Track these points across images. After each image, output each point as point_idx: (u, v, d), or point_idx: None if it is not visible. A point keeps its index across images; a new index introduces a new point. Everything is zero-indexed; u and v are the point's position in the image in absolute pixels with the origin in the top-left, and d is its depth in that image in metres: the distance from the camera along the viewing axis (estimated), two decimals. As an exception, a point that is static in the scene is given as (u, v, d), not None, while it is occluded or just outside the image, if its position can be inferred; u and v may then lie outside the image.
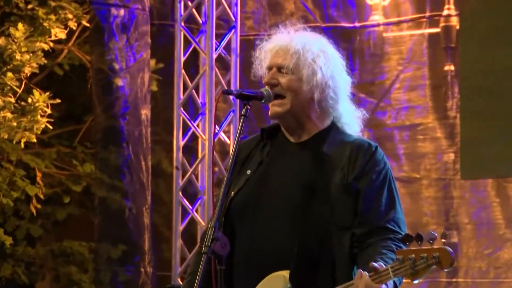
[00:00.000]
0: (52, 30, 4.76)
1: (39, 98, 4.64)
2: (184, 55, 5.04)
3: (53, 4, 4.79)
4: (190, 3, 5.03)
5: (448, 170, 4.87)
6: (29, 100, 4.66)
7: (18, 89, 4.71)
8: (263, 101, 2.54)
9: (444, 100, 4.93)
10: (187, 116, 5.03)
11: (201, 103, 5.07)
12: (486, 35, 4.64)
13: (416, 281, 2.24)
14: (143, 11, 4.96)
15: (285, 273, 2.44)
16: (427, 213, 4.88)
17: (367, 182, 2.48)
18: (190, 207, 4.99)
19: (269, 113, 2.55)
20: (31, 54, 4.65)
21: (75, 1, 4.96)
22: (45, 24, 4.74)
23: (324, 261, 2.46)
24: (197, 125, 5.04)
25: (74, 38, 5.35)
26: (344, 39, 5.05)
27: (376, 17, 5.11)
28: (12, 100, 4.64)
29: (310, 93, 2.52)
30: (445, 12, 4.97)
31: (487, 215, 4.79)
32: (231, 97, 4.72)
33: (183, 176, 5.00)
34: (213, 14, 5.01)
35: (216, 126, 5.02)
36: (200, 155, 5.04)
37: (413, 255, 2.21)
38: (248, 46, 5.04)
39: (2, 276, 5.49)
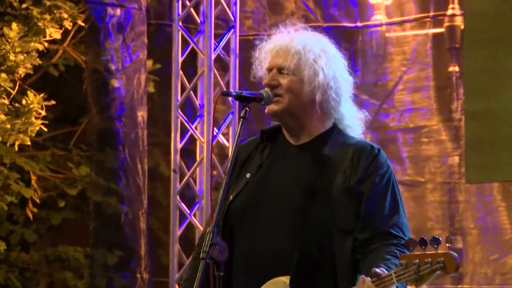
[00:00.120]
0: (47, 30, 4.76)
1: (34, 100, 4.64)
2: (182, 55, 5.04)
3: (48, 3, 4.80)
4: (188, 3, 5.03)
5: (453, 173, 4.87)
6: (23, 101, 4.66)
7: (12, 91, 4.72)
8: (262, 102, 2.54)
9: (448, 102, 4.93)
10: (185, 118, 5.03)
11: (199, 104, 5.06)
12: (492, 35, 4.64)
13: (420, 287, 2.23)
14: (140, 10, 4.96)
15: (285, 279, 2.43)
16: (432, 218, 4.88)
17: (369, 185, 2.48)
18: (188, 211, 4.99)
19: (266, 111, 2.54)
20: (25, 55, 4.65)
21: (70, 0, 4.97)
22: (40, 23, 4.74)
23: (325, 266, 2.45)
24: (195, 127, 5.03)
25: (69, 38, 5.35)
26: (345, 39, 5.05)
27: (379, 17, 5.11)
28: (6, 101, 4.64)
29: (311, 95, 2.52)
30: (449, 12, 4.97)
31: (493, 220, 4.79)
32: (230, 98, 4.72)
33: (180, 180, 5.00)
34: (212, 14, 5.01)
35: (215, 128, 5.01)
36: (198, 158, 5.04)
37: (417, 260, 2.21)
38: (248, 47, 5.04)
39: (-4, 282, 5.49)
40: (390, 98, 5.06)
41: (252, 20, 5.27)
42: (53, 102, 4.74)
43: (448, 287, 4.82)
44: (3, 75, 4.61)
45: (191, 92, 5.04)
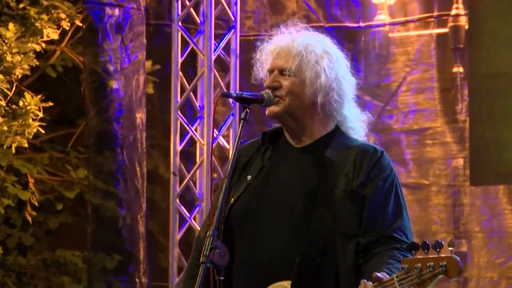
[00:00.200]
0: (44, 30, 4.77)
1: (31, 101, 4.65)
2: (181, 56, 5.04)
3: (45, 3, 4.81)
4: (187, 2, 5.04)
5: (458, 176, 4.87)
6: (20, 103, 4.67)
7: (8, 92, 4.73)
8: (263, 104, 2.54)
9: (453, 103, 4.93)
10: (185, 119, 5.03)
11: (199, 106, 5.07)
12: (496, 35, 4.64)
13: (422, 292, 2.24)
14: (139, 10, 4.96)
15: (287, 284, 2.44)
16: (437, 221, 4.88)
17: (372, 189, 2.48)
18: (188, 214, 4.99)
19: (266, 112, 2.54)
20: (22, 55, 4.66)
21: (68, 0, 4.98)
22: (37, 24, 4.75)
23: (327, 271, 2.45)
24: (195, 129, 5.04)
25: (67, 38, 5.36)
26: (348, 40, 5.05)
27: (382, 17, 5.11)
28: (3, 103, 4.65)
29: (313, 96, 2.52)
30: (453, 12, 4.97)
31: (499, 223, 4.79)
32: (230, 100, 4.72)
33: (180, 182, 5.00)
34: (212, 14, 5.02)
35: (215, 130, 5.02)
36: (198, 161, 5.05)
37: (419, 264, 2.21)
38: (248, 47, 5.05)
39: (-8, 286, 5.50)
40: (393, 99, 5.06)
41: (252, 20, 5.28)
42: (50, 103, 4.75)
43: (453, 291, 4.82)
44: (0, 76, 4.62)
45: (191, 93, 5.05)
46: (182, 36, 5.02)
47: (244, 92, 2.53)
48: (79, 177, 5.50)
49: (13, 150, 4.76)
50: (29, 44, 4.70)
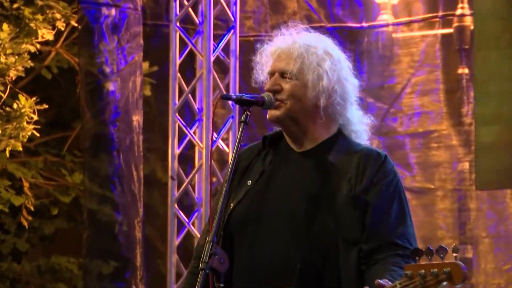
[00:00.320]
0: (39, 31, 4.78)
1: (25, 104, 4.66)
2: (179, 57, 5.05)
3: (40, 3, 4.82)
4: (186, 2, 5.05)
5: (464, 180, 4.88)
6: (15, 105, 4.68)
7: (2, 94, 4.74)
8: (264, 106, 2.54)
9: (459, 105, 4.94)
10: (183, 122, 5.04)
11: (198, 108, 5.08)
12: (502, 36, 4.65)
13: (426, 299, 2.24)
14: (135, 10, 4.97)
15: (287, 291, 2.45)
16: (442, 226, 4.89)
17: (376, 194, 2.48)
18: (186, 220, 5.00)
19: (267, 116, 2.55)
20: (16, 57, 4.67)
21: (63, 0, 4.99)
22: (32, 24, 4.76)
23: (329, 278, 2.46)
24: (194, 132, 5.05)
25: (62, 39, 5.37)
26: (351, 40, 5.06)
27: (385, 17, 5.12)
28: (-4, 106, 4.66)
29: (315, 99, 2.52)
30: (458, 12, 4.98)
31: (506, 228, 4.80)
32: (230, 102, 4.73)
33: (178, 187, 5.01)
34: (211, 14, 5.03)
35: (214, 133, 5.03)
36: (197, 164, 5.06)
37: (423, 271, 2.21)
38: (248, 48, 5.06)
39: (-14, 293, 5.51)
40: (397, 101, 5.07)
41: (252, 20, 5.29)
42: (45, 106, 4.76)
43: (459, 298, 4.82)
44: (-6, 78, 4.64)
45: (190, 95, 5.06)
46: (180, 36, 5.03)
47: (244, 94, 2.53)
48: (74, 182, 5.51)
49: (7, 154, 4.76)
50: (24, 45, 4.72)
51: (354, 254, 2.45)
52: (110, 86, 4.90)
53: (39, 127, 4.75)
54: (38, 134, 4.80)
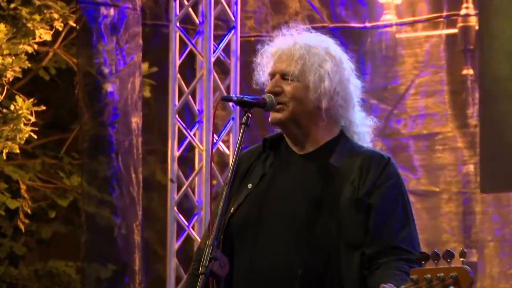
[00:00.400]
0: (37, 31, 4.78)
1: (23, 105, 4.66)
2: (179, 58, 5.05)
3: (37, 3, 4.82)
4: (186, 2, 5.05)
5: (469, 183, 4.88)
6: (12, 107, 4.68)
7: (-1, 95, 4.74)
8: (265, 108, 2.54)
9: (464, 107, 4.94)
10: (183, 124, 5.04)
11: (198, 110, 5.08)
12: (508, 36, 4.65)
13: (432, 304, 2.23)
14: (134, 10, 4.97)
15: (289, 296, 2.45)
16: (447, 230, 4.89)
17: (379, 197, 2.48)
18: (186, 223, 5.00)
19: (270, 119, 2.55)
20: (13, 57, 4.67)
21: (61, 0, 4.98)
22: (29, 24, 4.76)
23: (332, 283, 2.45)
24: (194, 134, 5.05)
25: (60, 39, 5.37)
26: (353, 41, 5.06)
27: (389, 17, 5.12)
28: (-7, 107, 4.66)
29: (317, 101, 2.52)
30: (463, 12, 4.98)
31: (511, 232, 4.80)
32: (230, 103, 4.73)
33: (178, 190, 5.00)
34: (211, 14, 5.03)
35: (215, 135, 5.02)
36: (197, 167, 5.05)
37: (429, 275, 2.20)
38: (249, 48, 5.06)
39: (-18, 298, 5.50)
40: (401, 103, 5.07)
41: (253, 20, 5.29)
42: (43, 107, 4.76)
43: (464, 303, 4.80)
44: (-10, 79, 4.64)
45: (189, 96, 5.06)
46: (180, 37, 5.03)
47: (245, 96, 2.53)
48: (72, 184, 5.51)
49: (4, 156, 4.76)
50: (21, 46, 4.71)
51: (356, 258, 2.45)
52: (109, 87, 4.90)
53: (36, 129, 4.75)
54: (35, 136, 4.79)
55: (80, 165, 5.14)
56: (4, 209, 5.22)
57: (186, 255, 4.97)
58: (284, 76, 2.54)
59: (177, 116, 5.02)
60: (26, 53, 4.75)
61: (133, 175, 4.92)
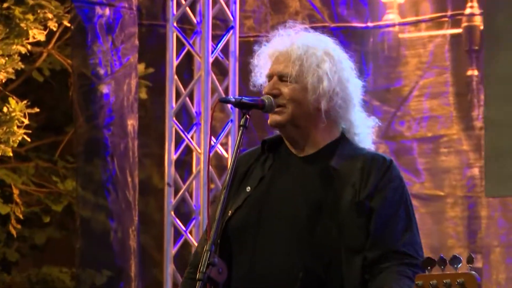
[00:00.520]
0: (30, 31, 4.78)
1: (16, 107, 4.66)
2: (176, 58, 5.05)
3: (31, 2, 4.82)
4: (183, 1, 5.05)
5: (475, 187, 4.87)
6: (4, 109, 4.68)
7: (-8, 97, 4.74)
8: (264, 110, 2.54)
9: (469, 109, 4.94)
10: (180, 126, 5.04)
11: (195, 112, 5.08)
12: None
13: (437, 311, 2.22)
14: (130, 10, 4.97)
15: (289, 300, 2.44)
16: (453, 235, 4.88)
17: (380, 200, 2.48)
18: (184, 228, 4.99)
19: (269, 121, 2.55)
20: (6, 58, 4.67)
21: (56, -1, 4.99)
22: (22, 24, 4.76)
23: (332, 287, 2.45)
24: (191, 137, 5.05)
25: (54, 40, 5.37)
26: (355, 41, 5.06)
27: (391, 16, 5.12)
28: (-15, 109, 4.66)
29: (316, 103, 2.52)
30: (467, 11, 4.98)
31: (518, 237, 4.80)
32: (229, 105, 4.73)
33: (175, 194, 5.00)
34: (209, 13, 5.03)
35: (213, 138, 5.03)
36: (194, 170, 5.05)
37: (435, 281, 2.19)
38: (248, 49, 5.02)
39: (-26, 305, 5.50)
40: (405, 104, 5.06)
41: (252, 20, 5.29)
42: (37, 109, 4.76)
43: (470, 310, 4.79)
44: (-17, 80, 4.64)
45: (187, 98, 5.06)
46: (177, 37, 5.03)
47: (243, 97, 2.53)
48: (67, 189, 5.51)
49: (-4, 160, 4.76)
50: (14, 46, 4.71)
51: (358, 262, 2.46)
52: (104, 89, 4.90)
53: (30, 131, 4.75)
54: (29, 139, 4.79)
55: (75, 169, 5.14)
56: (-3, 215, 5.23)
57: (184, 260, 4.96)
58: (281, 77, 2.54)
59: (174, 118, 5.02)
60: (19, 54, 4.75)
61: (129, 179, 4.92)
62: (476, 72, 4.94)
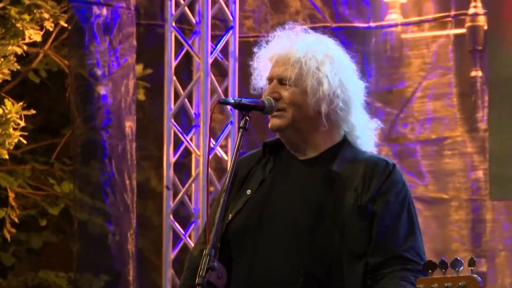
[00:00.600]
0: (26, 32, 4.79)
1: (11, 109, 4.67)
2: (175, 59, 5.06)
3: (27, 2, 4.83)
4: (182, 1, 5.06)
5: (479, 189, 4.88)
6: (0, 111, 4.68)
7: (-13, 99, 4.75)
8: (264, 111, 2.55)
9: (473, 111, 4.94)
10: (179, 128, 5.05)
11: (194, 113, 5.09)
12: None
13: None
14: (128, 10, 4.98)
15: (289, 305, 2.45)
16: (457, 239, 4.89)
17: (383, 204, 2.48)
18: (183, 231, 5.00)
19: (269, 125, 2.56)
20: (2, 59, 4.68)
21: (52, -1, 5.00)
22: (18, 25, 4.77)
23: (334, 292, 2.47)
24: (190, 139, 5.05)
25: (50, 40, 5.38)
26: (357, 41, 5.07)
27: (394, 16, 5.13)
28: (-19, 111, 4.67)
29: (316, 106, 2.52)
30: (471, 11, 4.99)
31: (523, 241, 4.81)
32: (228, 107, 4.73)
33: (174, 197, 5.01)
34: (208, 13, 5.04)
35: (212, 140, 5.03)
36: (193, 173, 5.06)
37: (437, 285, 2.20)
38: (248, 49, 5.05)
39: (-30, 310, 5.51)
40: (408, 106, 5.07)
41: (252, 20, 5.30)
42: (33, 111, 4.77)
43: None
44: (-22, 81, 4.65)
45: (186, 100, 5.07)
46: (176, 37, 5.04)
47: (243, 99, 2.54)
48: (63, 191, 5.51)
49: (-8, 162, 4.77)
50: (10, 47, 4.72)
51: (359, 267, 2.46)
52: (102, 90, 4.90)
53: (26, 133, 4.76)
54: (25, 141, 4.80)
55: (72, 171, 5.14)
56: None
57: (183, 264, 4.93)
58: (281, 81, 2.54)
59: (172, 120, 5.03)
60: (15, 55, 4.76)
61: (127, 182, 4.93)
62: (480, 73, 4.94)
